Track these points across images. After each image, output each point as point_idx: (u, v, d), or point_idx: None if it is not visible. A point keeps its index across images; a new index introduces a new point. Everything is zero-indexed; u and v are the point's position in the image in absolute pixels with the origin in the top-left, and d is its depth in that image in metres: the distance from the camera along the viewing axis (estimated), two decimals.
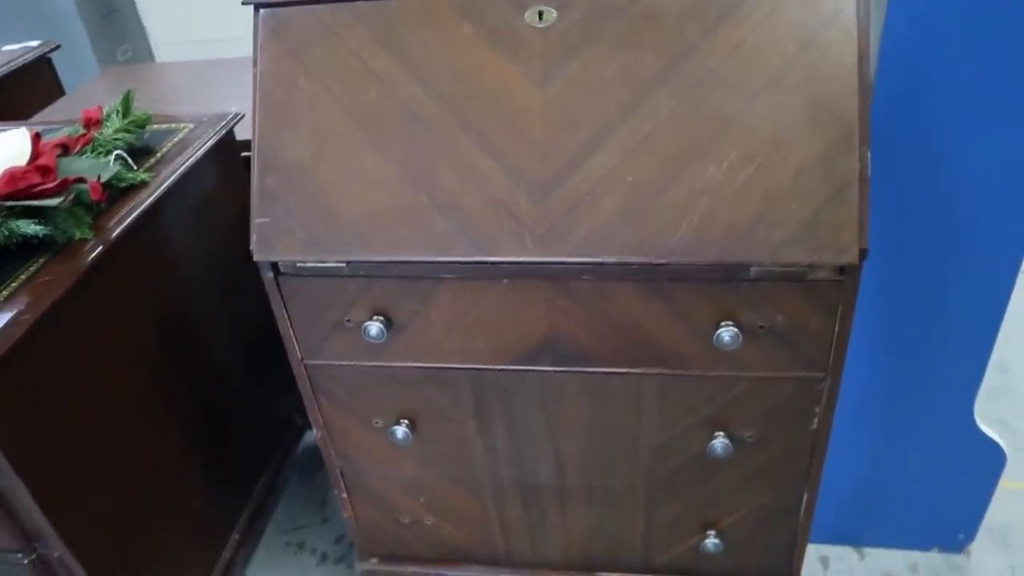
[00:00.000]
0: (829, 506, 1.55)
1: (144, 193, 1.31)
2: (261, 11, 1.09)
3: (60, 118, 1.82)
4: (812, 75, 0.98)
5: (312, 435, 1.90)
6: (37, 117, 1.90)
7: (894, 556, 1.63)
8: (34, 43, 2.19)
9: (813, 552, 1.63)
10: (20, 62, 2.08)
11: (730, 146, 0.99)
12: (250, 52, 1.11)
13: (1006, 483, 1.69)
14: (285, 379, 1.50)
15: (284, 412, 1.81)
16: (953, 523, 1.58)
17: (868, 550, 1.64)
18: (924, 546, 1.62)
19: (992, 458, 1.45)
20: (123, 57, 3.48)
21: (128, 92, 1.45)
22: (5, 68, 2.04)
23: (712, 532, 1.32)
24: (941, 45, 1.09)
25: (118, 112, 1.43)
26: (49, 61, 2.21)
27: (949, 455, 1.44)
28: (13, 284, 1.12)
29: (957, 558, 1.62)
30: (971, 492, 1.50)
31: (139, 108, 1.45)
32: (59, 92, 2.23)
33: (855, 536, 1.64)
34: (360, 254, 1.06)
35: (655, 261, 1.01)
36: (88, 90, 2.06)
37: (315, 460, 1.93)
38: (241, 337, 1.62)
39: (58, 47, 2.22)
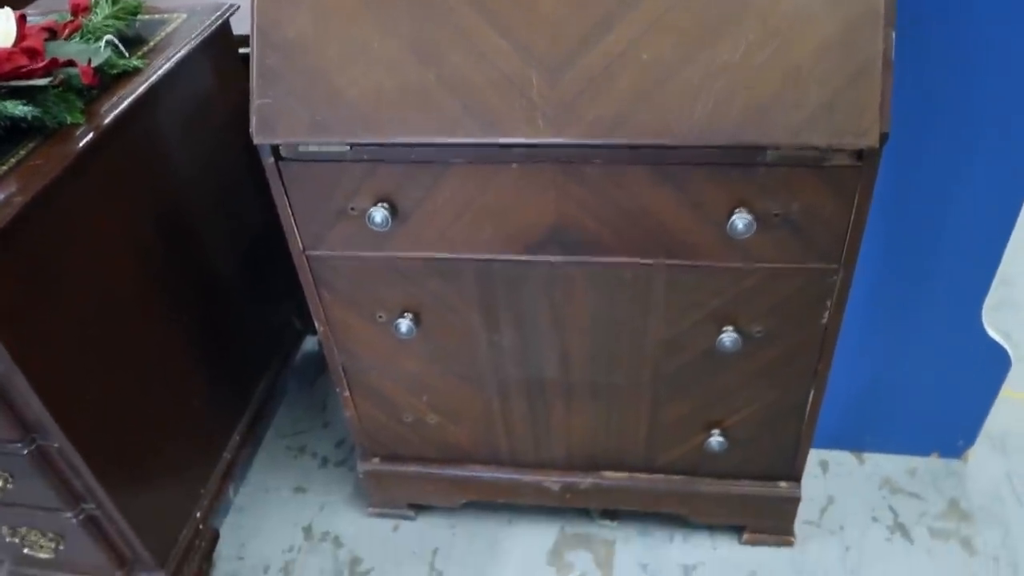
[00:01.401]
0: (830, 411, 1.54)
1: (137, 80, 1.26)
2: None
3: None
4: None
5: (312, 342, 1.90)
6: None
7: (893, 461, 1.64)
8: None
9: (813, 456, 1.64)
10: None
11: (749, 24, 0.95)
12: None
13: (1007, 392, 1.68)
14: (285, 282, 1.49)
15: (284, 316, 1.80)
16: (953, 429, 1.58)
17: (867, 455, 1.65)
18: (923, 451, 1.63)
19: (997, 362, 1.44)
20: None
21: None
22: None
23: (717, 431, 1.31)
24: None
25: None
26: None
27: (955, 357, 1.44)
28: (3, 167, 1.08)
29: (955, 464, 1.63)
30: (974, 396, 1.50)
31: None
32: None
33: (855, 441, 1.64)
34: (364, 136, 1.02)
35: (669, 143, 0.98)
36: None
37: (315, 367, 1.93)
38: (240, 237, 1.59)
39: None
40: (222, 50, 1.47)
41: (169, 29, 1.41)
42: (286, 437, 1.78)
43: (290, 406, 1.84)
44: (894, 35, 0.94)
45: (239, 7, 1.51)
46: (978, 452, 1.63)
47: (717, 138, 0.96)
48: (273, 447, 1.76)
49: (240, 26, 1.49)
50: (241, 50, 1.54)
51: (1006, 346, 1.44)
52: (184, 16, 1.46)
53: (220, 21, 1.45)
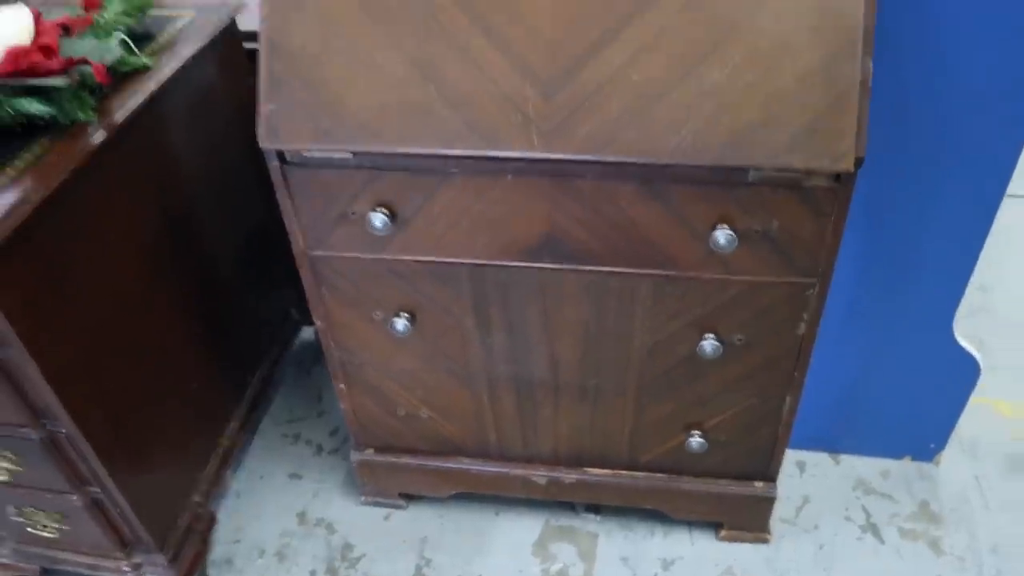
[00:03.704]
0: (808, 413, 1.60)
1: (147, 79, 1.30)
2: None
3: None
4: None
5: (309, 331, 1.95)
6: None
7: (867, 463, 1.70)
8: None
9: (790, 456, 1.70)
10: None
11: (736, 49, 1.00)
12: None
13: (979, 399, 1.75)
14: (284, 274, 1.53)
15: (282, 306, 1.85)
16: (925, 433, 1.64)
17: (843, 456, 1.71)
18: (896, 454, 1.69)
19: (967, 370, 1.50)
20: None
21: None
22: None
23: (697, 432, 1.37)
24: None
25: None
26: None
27: (927, 366, 1.50)
28: (18, 163, 1.12)
29: (927, 466, 1.69)
30: (945, 403, 1.56)
31: None
32: None
33: (831, 443, 1.70)
34: (367, 145, 1.07)
35: (657, 162, 1.03)
36: None
37: (311, 356, 1.98)
38: (241, 230, 1.64)
39: None
40: (229, 48, 1.52)
41: (178, 26, 1.45)
42: (282, 424, 1.84)
43: (287, 394, 1.89)
44: (871, 65, 0.99)
45: (247, 5, 1.55)
46: (949, 456, 1.69)
47: (703, 158, 1.01)
48: (270, 434, 1.81)
49: (246, 22, 1.54)
50: (246, 45, 1.58)
51: (976, 355, 1.50)
52: (193, 13, 1.50)
53: (228, 20, 1.49)
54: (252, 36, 1.55)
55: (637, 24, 1.00)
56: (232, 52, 1.53)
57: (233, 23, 1.51)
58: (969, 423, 1.69)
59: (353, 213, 1.16)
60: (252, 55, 1.56)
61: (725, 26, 0.99)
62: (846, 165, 1.00)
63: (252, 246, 1.68)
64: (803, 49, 0.99)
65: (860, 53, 0.98)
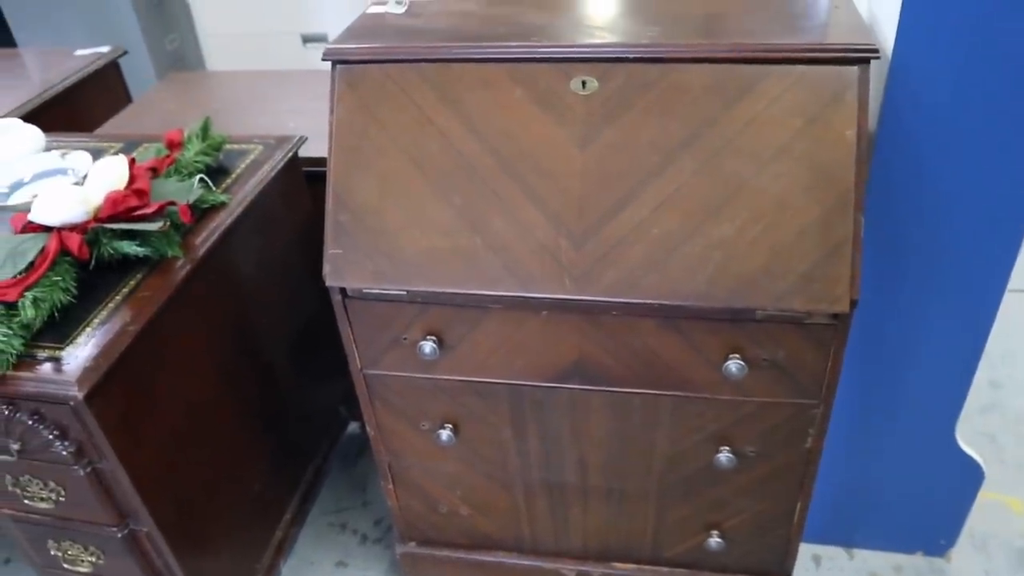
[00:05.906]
0: (823, 510, 1.71)
1: (224, 213, 1.47)
2: (338, 66, 1.26)
3: (131, 127, 2.00)
4: (816, 147, 1.13)
5: (354, 425, 2.09)
6: (108, 124, 2.07)
7: (881, 557, 1.79)
8: (104, 49, 2.35)
9: (807, 551, 1.80)
10: (92, 68, 2.25)
11: (743, 206, 1.15)
12: (294, 56, 1.25)
13: (990, 494, 1.85)
14: (334, 374, 1.68)
15: (332, 404, 2.00)
16: (935, 530, 1.74)
17: (857, 551, 1.81)
18: (909, 549, 1.78)
19: (971, 474, 1.61)
20: (171, 47, 3.62)
21: (207, 119, 1.62)
22: (79, 74, 2.20)
23: (715, 532, 1.49)
24: (933, 124, 1.24)
25: (198, 136, 1.60)
26: (117, 65, 2.37)
27: (932, 471, 1.61)
28: (117, 297, 1.29)
29: (939, 562, 1.78)
30: (952, 504, 1.67)
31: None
32: (125, 95, 2.39)
33: (846, 537, 1.80)
34: (419, 285, 1.23)
35: (674, 303, 1.17)
36: (151, 99, 2.22)
37: (357, 447, 2.12)
38: (295, 333, 1.79)
39: (125, 53, 2.39)
40: (292, 176, 1.70)
41: (248, 160, 1.64)
42: (329, 513, 1.97)
43: (333, 485, 2.03)
44: (863, 218, 1.13)
45: (307, 139, 1.73)
46: (960, 551, 1.78)
47: (715, 301, 1.16)
48: (317, 523, 1.95)
49: (304, 149, 1.72)
50: (305, 168, 1.76)
51: (981, 458, 1.61)
52: (260, 147, 1.68)
53: (292, 153, 1.67)
54: (309, 161, 1.74)
55: (655, 185, 1.16)
56: (294, 177, 1.71)
57: (296, 156, 1.69)
58: (980, 519, 1.79)
59: (405, 339, 1.31)
60: (311, 178, 1.75)
61: (732, 187, 1.15)
62: (842, 307, 1.13)
63: (307, 350, 1.83)
64: (801, 206, 1.13)
65: (852, 209, 1.12)
